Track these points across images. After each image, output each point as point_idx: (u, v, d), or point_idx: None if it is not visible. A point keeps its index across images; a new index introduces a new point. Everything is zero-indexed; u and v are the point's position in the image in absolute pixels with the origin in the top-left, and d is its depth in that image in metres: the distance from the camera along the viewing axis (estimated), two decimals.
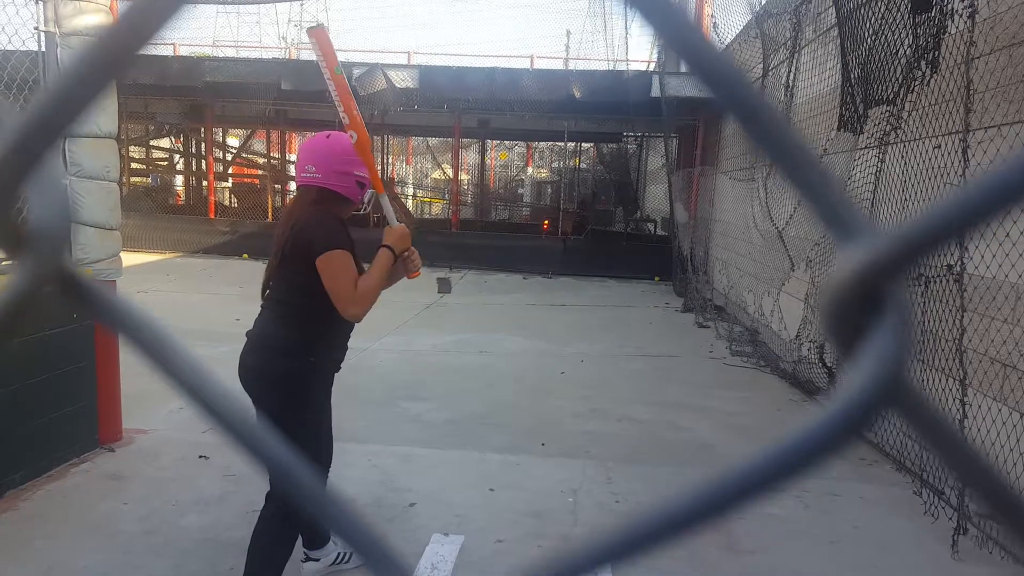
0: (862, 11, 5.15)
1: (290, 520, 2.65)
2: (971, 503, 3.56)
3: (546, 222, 16.88)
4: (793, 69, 7.77)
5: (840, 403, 0.30)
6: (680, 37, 0.31)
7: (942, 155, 4.12)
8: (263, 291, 2.66)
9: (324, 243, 2.44)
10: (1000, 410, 3.66)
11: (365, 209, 2.74)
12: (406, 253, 2.69)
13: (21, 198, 0.33)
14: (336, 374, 2.74)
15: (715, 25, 11.40)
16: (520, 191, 26.58)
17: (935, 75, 4.30)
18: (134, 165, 18.37)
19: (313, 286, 2.46)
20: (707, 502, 0.32)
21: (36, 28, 3.85)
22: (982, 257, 3.67)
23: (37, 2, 3.83)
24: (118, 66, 0.32)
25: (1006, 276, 3.60)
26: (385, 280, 2.58)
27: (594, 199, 19.63)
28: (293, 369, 2.53)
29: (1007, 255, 3.54)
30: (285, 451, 0.37)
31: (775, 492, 0.31)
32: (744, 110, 0.31)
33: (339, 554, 3.11)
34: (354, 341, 2.79)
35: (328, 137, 2.66)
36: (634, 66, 18.80)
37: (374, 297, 2.49)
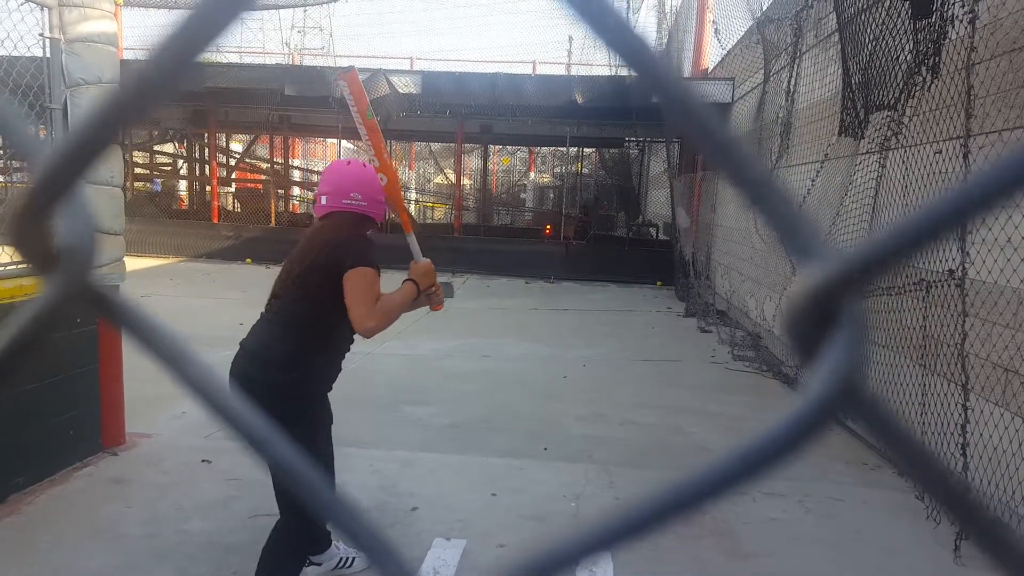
0: (863, 17, 5.17)
1: (306, 535, 2.67)
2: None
3: (548, 227, 16.91)
4: (794, 75, 7.78)
5: (798, 407, 0.33)
6: (625, 46, 0.32)
7: (943, 160, 4.13)
8: (270, 300, 2.68)
9: (356, 259, 2.50)
10: (1002, 415, 3.66)
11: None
12: (431, 289, 2.82)
13: (53, 219, 0.36)
14: (338, 379, 2.76)
15: (716, 30, 11.43)
16: (522, 196, 26.64)
17: (936, 80, 4.32)
18: (138, 170, 18.42)
19: (328, 301, 2.50)
20: (675, 499, 0.33)
21: (41, 34, 3.87)
22: (983, 262, 3.68)
23: (42, 8, 3.85)
24: (144, 106, 0.34)
25: (1008, 281, 3.60)
26: (405, 308, 2.67)
27: (596, 204, 19.67)
28: (288, 381, 2.54)
29: (1008, 260, 3.55)
30: (296, 455, 0.38)
31: (740, 490, 0.33)
32: (700, 134, 0.33)
33: (341, 559, 3.11)
34: (357, 346, 2.80)
35: (364, 166, 2.76)
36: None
37: (391, 318, 2.55)
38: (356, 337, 2.65)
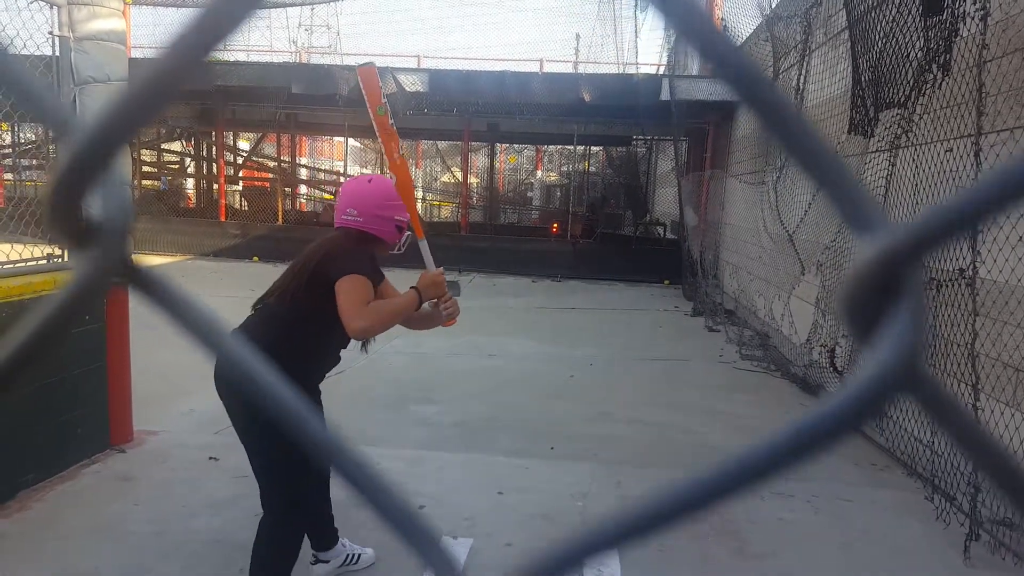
0: (873, 14, 5.13)
1: (291, 528, 2.66)
2: (983, 506, 3.54)
3: (555, 225, 16.90)
4: (804, 72, 7.75)
5: (855, 385, 0.31)
6: (696, 32, 0.32)
7: (954, 158, 4.10)
8: (260, 300, 2.67)
9: (350, 268, 2.47)
10: (1013, 415, 3.63)
11: (400, 250, 2.78)
12: (444, 303, 2.75)
13: (87, 195, 0.36)
14: (345, 377, 2.76)
15: (725, 28, 11.39)
16: (529, 194, 26.62)
17: (947, 78, 4.28)
18: (145, 168, 18.47)
19: (320, 309, 2.48)
20: (730, 477, 0.32)
21: (50, 33, 3.88)
22: (995, 261, 3.65)
23: (51, 7, 3.86)
24: (176, 85, 0.34)
25: (1019, 280, 3.57)
26: (401, 314, 2.60)
27: (603, 202, 19.64)
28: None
29: (1020, 259, 3.52)
30: (333, 436, 0.38)
31: (791, 470, 0.32)
32: (763, 106, 0.32)
33: (348, 555, 3.11)
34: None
35: (370, 182, 2.72)
36: (644, 69, 18.80)
37: (382, 319, 2.49)
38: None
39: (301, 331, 2.57)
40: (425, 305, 2.72)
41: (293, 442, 0.38)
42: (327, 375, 2.81)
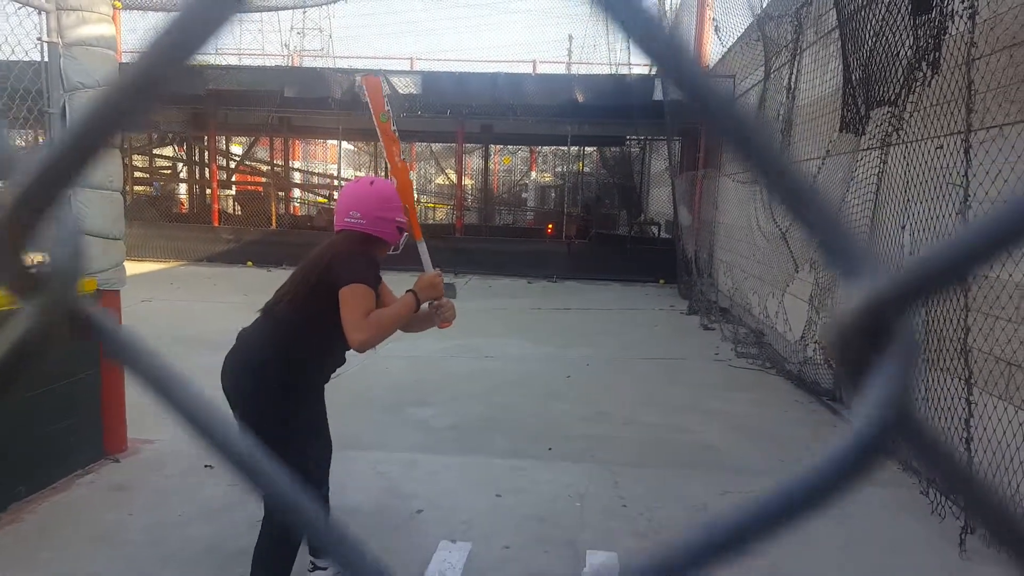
0: (863, 13, 5.15)
1: (289, 538, 2.67)
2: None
3: (550, 226, 16.90)
4: (795, 71, 7.77)
5: (851, 437, 0.31)
6: (670, 63, 0.31)
7: (944, 155, 4.12)
8: (268, 304, 2.71)
9: (353, 277, 2.50)
10: (1006, 409, 3.65)
11: (397, 250, 2.83)
12: (436, 303, 2.80)
13: (32, 239, 0.34)
14: (341, 380, 2.78)
15: (716, 28, 11.42)
16: (524, 195, 26.63)
17: (936, 76, 4.30)
18: (137, 174, 18.43)
19: (325, 314, 2.51)
20: (718, 542, 0.32)
21: (39, 38, 3.87)
22: None
23: (40, 13, 3.85)
24: (129, 116, 0.33)
25: (1010, 275, 3.59)
26: (401, 320, 2.64)
27: (598, 203, 19.66)
28: (271, 381, 2.58)
29: (1011, 254, 3.53)
30: (287, 481, 0.37)
31: (790, 529, 0.32)
32: (743, 146, 0.32)
33: None
34: None
35: (372, 184, 2.76)
36: (636, 70, 18.80)
37: (382, 329, 2.52)
38: None
39: (310, 335, 2.61)
40: (423, 306, 2.76)
41: (282, 452, 0.38)
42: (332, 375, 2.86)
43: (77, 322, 0.36)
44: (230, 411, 2.62)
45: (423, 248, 2.86)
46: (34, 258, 0.35)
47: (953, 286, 0.30)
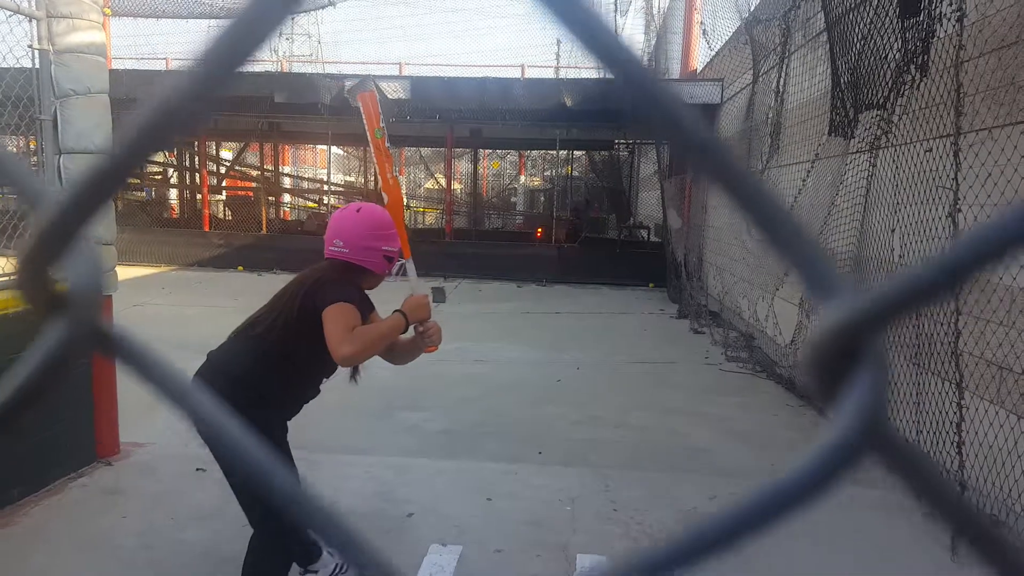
0: (851, 16, 5.19)
1: (279, 547, 2.64)
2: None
3: (539, 230, 16.93)
4: (783, 75, 7.81)
5: (821, 448, 0.32)
6: (643, 93, 0.31)
7: (933, 158, 4.15)
8: (241, 328, 2.63)
9: (337, 297, 2.44)
10: (997, 412, 3.67)
11: (391, 277, 2.75)
12: (422, 327, 2.72)
13: (58, 264, 0.36)
14: (332, 385, 2.75)
15: (704, 32, 11.47)
16: (513, 199, 26.66)
17: (925, 79, 4.33)
18: (128, 179, 18.32)
19: (306, 341, 2.44)
20: (694, 545, 0.33)
21: (30, 46, 3.85)
22: None
23: (30, 20, 3.83)
24: (150, 148, 0.34)
25: (1000, 279, 3.61)
26: (387, 338, 2.57)
27: (587, 206, 19.70)
28: (240, 400, 2.49)
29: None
30: (288, 478, 0.38)
31: (762, 535, 0.33)
32: (716, 171, 0.32)
33: (336, 565, 3.09)
34: None
35: (358, 211, 2.66)
36: None
37: (367, 344, 2.43)
38: None
39: (287, 365, 2.53)
40: (409, 330, 2.70)
41: (263, 496, 0.38)
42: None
43: (100, 338, 0.38)
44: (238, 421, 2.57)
45: (411, 267, 2.78)
46: (59, 279, 0.37)
47: (922, 308, 0.31)
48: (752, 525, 0.33)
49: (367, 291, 2.76)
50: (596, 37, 0.30)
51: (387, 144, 2.82)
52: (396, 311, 2.62)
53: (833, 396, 0.33)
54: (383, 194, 2.76)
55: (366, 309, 2.59)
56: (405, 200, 23.02)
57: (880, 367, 0.32)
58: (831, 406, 0.33)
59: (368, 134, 2.80)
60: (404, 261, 2.75)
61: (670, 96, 0.31)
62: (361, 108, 2.80)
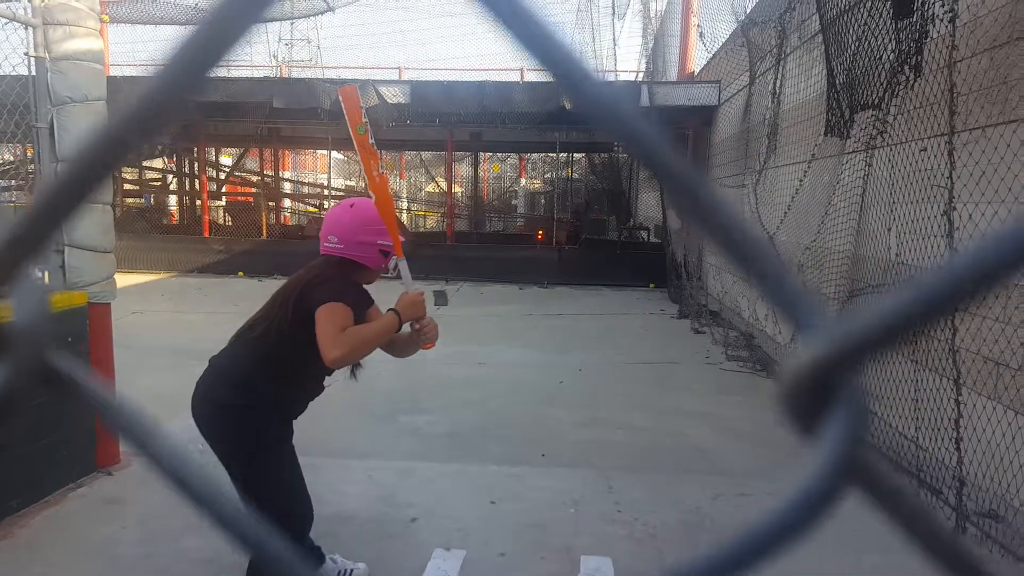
0: (845, 18, 5.21)
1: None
2: (969, 500, 3.58)
3: (540, 232, 16.94)
4: (779, 76, 7.83)
5: (801, 487, 0.32)
6: (617, 123, 0.31)
7: (928, 157, 4.17)
8: (241, 331, 2.65)
9: (329, 297, 2.44)
10: (995, 408, 3.68)
11: (388, 273, 2.74)
12: (418, 324, 2.70)
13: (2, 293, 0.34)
14: (335, 388, 2.75)
15: (701, 34, 11.49)
16: (514, 202, 26.67)
17: (919, 79, 4.35)
18: (127, 186, 18.37)
19: (300, 340, 2.45)
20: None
21: (26, 53, 3.87)
22: None
23: (27, 28, 3.85)
24: (137, 141, 0.33)
25: (979, 299, 3.62)
26: (380, 338, 2.55)
27: (587, 208, 19.70)
28: (239, 402, 2.52)
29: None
30: (271, 538, 0.37)
31: (748, 573, 0.33)
32: (691, 205, 0.32)
33: (340, 571, 3.10)
34: None
35: (352, 207, 2.68)
36: (623, 76, 18.90)
37: (357, 347, 2.42)
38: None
39: (285, 366, 2.54)
40: (405, 327, 2.68)
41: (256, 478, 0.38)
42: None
43: (47, 375, 0.36)
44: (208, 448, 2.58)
45: (404, 265, 2.73)
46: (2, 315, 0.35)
47: (897, 342, 0.30)
48: (734, 569, 0.32)
49: (366, 286, 2.76)
50: (537, 41, 0.30)
51: (371, 141, 2.75)
52: (390, 310, 2.62)
53: (811, 430, 0.32)
54: (370, 193, 2.68)
55: (363, 306, 2.59)
56: (406, 204, 22.92)
57: (858, 402, 0.31)
58: (808, 440, 0.32)
59: (350, 130, 2.72)
60: (398, 260, 2.71)
61: (609, 98, 0.31)
62: (343, 103, 2.73)
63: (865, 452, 0.32)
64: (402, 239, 2.72)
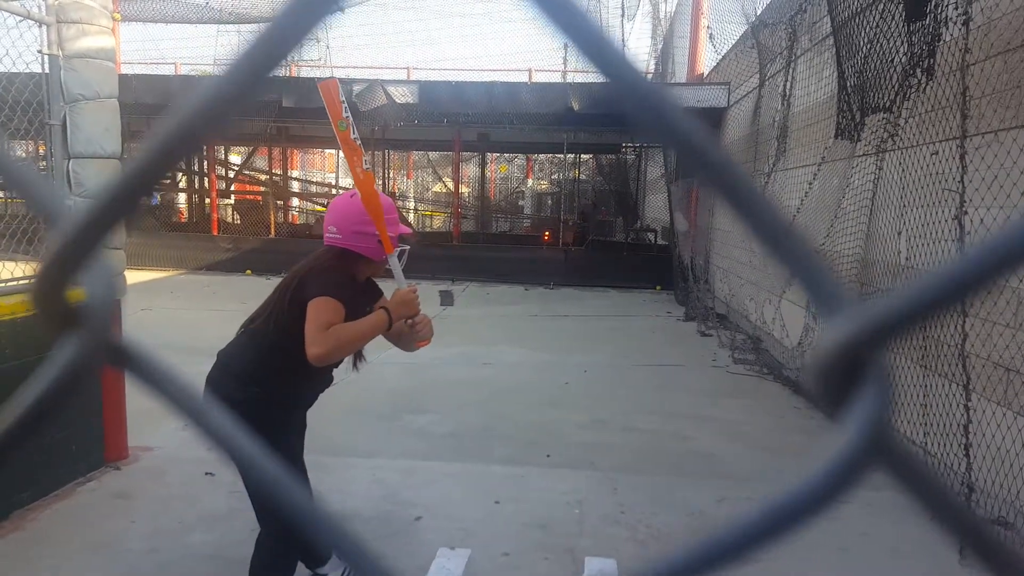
0: (857, 20, 5.19)
1: (287, 544, 2.65)
2: (977, 506, 3.56)
3: (547, 233, 16.93)
4: (790, 78, 7.81)
5: (828, 462, 0.33)
6: (643, 102, 0.32)
7: (940, 161, 4.15)
8: (247, 321, 2.65)
9: (320, 291, 2.40)
10: (1005, 414, 3.66)
11: (388, 266, 2.68)
12: (411, 321, 2.63)
13: (73, 281, 0.37)
14: (339, 387, 2.75)
15: (711, 36, 11.48)
16: (520, 203, 26.66)
17: (931, 82, 4.33)
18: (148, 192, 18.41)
19: (299, 330, 2.42)
20: (702, 558, 0.34)
21: (39, 51, 3.88)
22: None
23: (40, 25, 3.86)
24: (202, 138, 0.35)
25: (1007, 281, 3.60)
26: (366, 337, 2.49)
27: (594, 210, 19.68)
28: (245, 398, 2.51)
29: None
30: (288, 479, 0.39)
31: (771, 546, 0.34)
32: (722, 186, 0.33)
33: (346, 568, 3.10)
34: None
35: (352, 197, 2.63)
36: None
37: (341, 344, 2.36)
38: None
39: (287, 358, 2.52)
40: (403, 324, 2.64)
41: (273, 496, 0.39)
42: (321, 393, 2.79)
43: (114, 351, 0.39)
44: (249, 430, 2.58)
45: (395, 262, 2.64)
46: (75, 295, 0.38)
47: (926, 323, 0.31)
48: (761, 538, 0.33)
49: (372, 278, 2.75)
50: (593, 44, 0.32)
51: (354, 136, 2.66)
52: (380, 307, 2.57)
53: (839, 407, 0.34)
54: (355, 190, 2.59)
55: (360, 301, 2.56)
56: (413, 204, 22.88)
57: (885, 380, 0.33)
58: (837, 417, 0.34)
59: (332, 126, 2.64)
60: (388, 256, 2.63)
61: (671, 105, 0.32)
62: (323, 98, 2.65)
63: (891, 430, 0.33)
64: (396, 235, 2.65)
